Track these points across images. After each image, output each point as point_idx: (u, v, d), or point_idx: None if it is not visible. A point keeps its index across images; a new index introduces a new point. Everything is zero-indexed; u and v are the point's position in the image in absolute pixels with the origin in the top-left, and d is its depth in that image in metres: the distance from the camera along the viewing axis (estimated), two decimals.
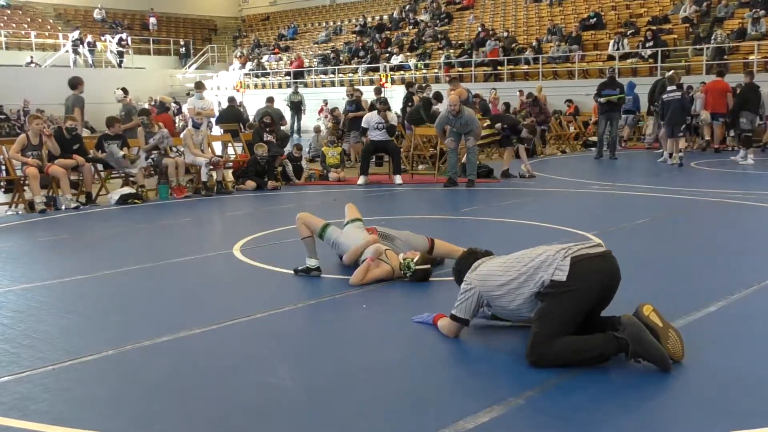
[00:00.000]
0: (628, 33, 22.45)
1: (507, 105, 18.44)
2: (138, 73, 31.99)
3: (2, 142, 10.44)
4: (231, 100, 18.91)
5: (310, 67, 30.99)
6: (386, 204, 10.19)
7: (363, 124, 12.43)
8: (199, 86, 14.06)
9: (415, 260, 5.32)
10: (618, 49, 21.61)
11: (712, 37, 20.07)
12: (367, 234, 5.70)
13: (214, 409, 3.22)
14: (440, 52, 26.62)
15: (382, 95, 15.31)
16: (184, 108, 13.33)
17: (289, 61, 31.79)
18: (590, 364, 3.53)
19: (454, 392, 3.39)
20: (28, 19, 33.72)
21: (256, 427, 3.06)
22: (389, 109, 12.80)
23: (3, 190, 11.38)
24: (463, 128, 10.71)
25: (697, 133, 16.77)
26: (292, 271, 5.65)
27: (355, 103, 15.22)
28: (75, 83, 11.92)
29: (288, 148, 13.85)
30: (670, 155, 13.56)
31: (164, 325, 4.44)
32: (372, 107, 13.67)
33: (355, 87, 19.67)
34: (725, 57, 19.69)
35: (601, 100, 14.91)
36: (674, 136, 13.45)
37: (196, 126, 11.42)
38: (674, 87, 13.72)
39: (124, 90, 14.07)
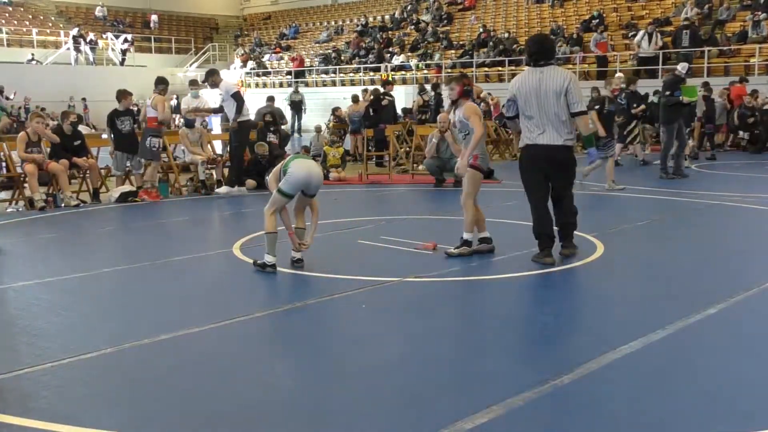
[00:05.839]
0: (630, 35, 22.44)
1: None
2: (139, 72, 31.96)
3: (2, 139, 10.41)
4: None
5: (311, 66, 30.98)
6: (385, 204, 10.20)
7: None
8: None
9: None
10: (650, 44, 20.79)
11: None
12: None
13: (213, 408, 3.22)
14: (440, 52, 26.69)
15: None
16: (183, 104, 13.15)
17: (290, 59, 31.76)
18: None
19: (454, 392, 3.39)
20: (30, 17, 33.71)
21: (256, 427, 3.06)
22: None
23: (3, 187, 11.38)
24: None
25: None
26: (284, 268, 5.66)
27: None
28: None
29: (288, 148, 13.80)
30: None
31: (163, 323, 4.44)
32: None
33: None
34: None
35: (684, 100, 11.64)
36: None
37: (189, 125, 11.34)
38: None
39: None
